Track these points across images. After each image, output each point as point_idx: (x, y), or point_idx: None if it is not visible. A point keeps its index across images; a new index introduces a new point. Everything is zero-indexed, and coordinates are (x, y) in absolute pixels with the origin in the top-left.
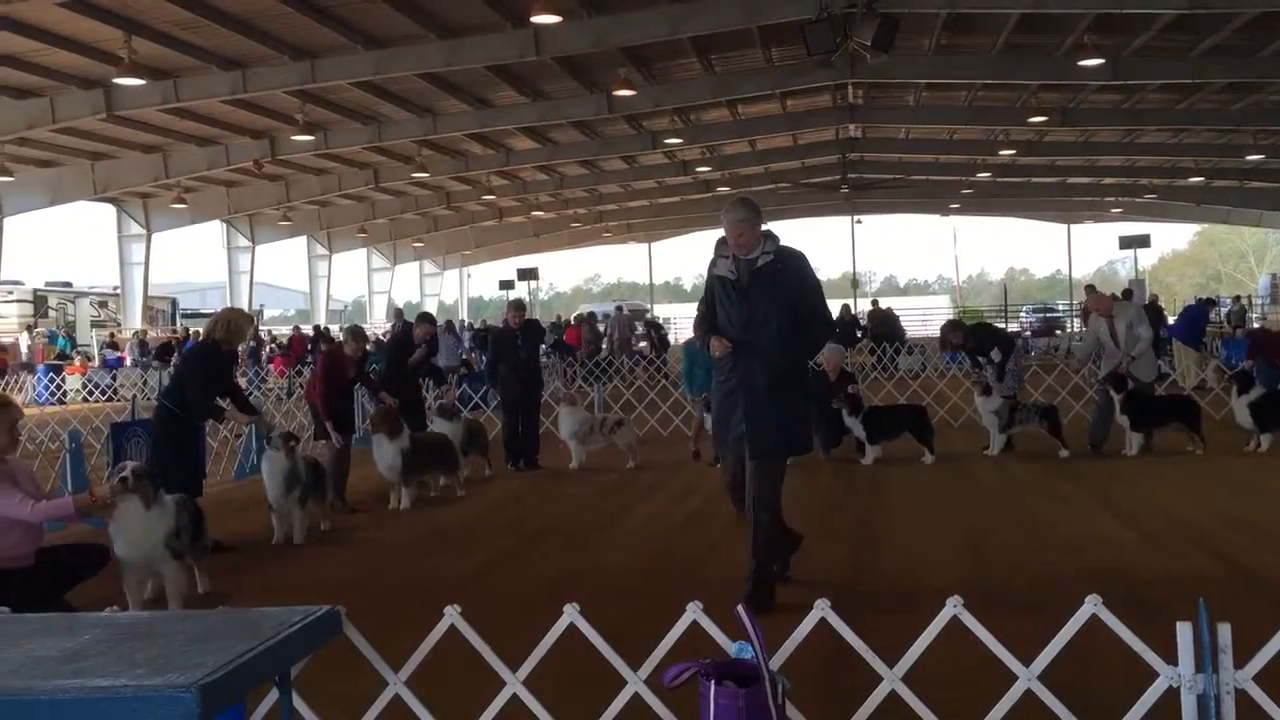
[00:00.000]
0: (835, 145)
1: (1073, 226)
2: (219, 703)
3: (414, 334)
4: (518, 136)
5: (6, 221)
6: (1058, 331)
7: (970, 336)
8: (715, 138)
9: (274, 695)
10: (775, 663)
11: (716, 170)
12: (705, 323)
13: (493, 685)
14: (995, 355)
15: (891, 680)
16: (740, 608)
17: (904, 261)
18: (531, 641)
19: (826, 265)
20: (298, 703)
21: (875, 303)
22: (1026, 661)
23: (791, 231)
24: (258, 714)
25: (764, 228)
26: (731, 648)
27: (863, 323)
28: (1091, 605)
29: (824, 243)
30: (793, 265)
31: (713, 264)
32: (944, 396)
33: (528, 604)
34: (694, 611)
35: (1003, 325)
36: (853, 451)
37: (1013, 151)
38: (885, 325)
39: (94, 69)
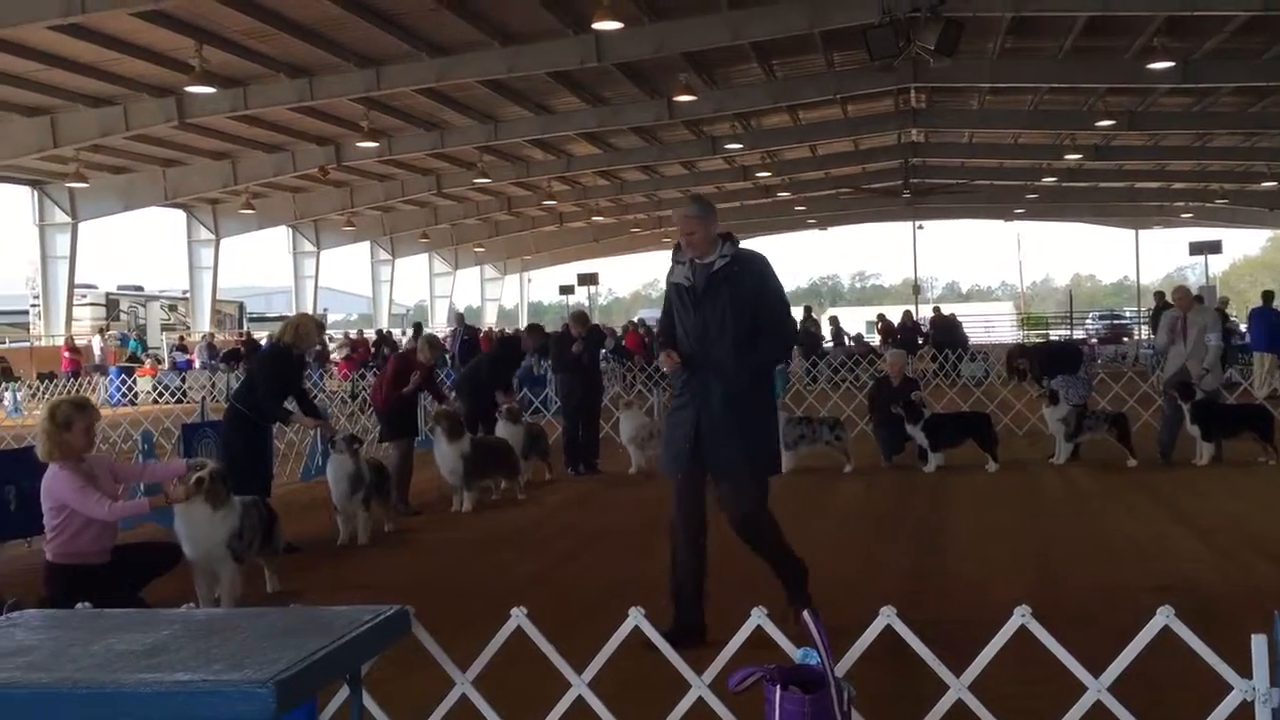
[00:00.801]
0: (897, 150)
1: (1141, 232)
2: (293, 699)
3: (523, 344)
4: (578, 142)
5: (81, 226)
6: (1125, 339)
7: (1036, 362)
8: (776, 143)
9: (344, 693)
10: (840, 669)
11: (777, 175)
12: (665, 335)
13: (557, 686)
14: (1058, 383)
15: (959, 689)
16: (806, 613)
17: (966, 267)
18: (594, 644)
19: (888, 271)
20: (367, 701)
21: (937, 309)
22: (1095, 672)
23: (852, 237)
24: (328, 712)
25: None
26: (796, 654)
27: (925, 329)
28: (1164, 617)
29: (885, 248)
30: (752, 269)
31: (670, 270)
32: (1008, 404)
33: (589, 607)
34: (758, 616)
35: (1068, 333)
36: (914, 459)
37: (1079, 156)
38: (947, 332)
39: (166, 77)
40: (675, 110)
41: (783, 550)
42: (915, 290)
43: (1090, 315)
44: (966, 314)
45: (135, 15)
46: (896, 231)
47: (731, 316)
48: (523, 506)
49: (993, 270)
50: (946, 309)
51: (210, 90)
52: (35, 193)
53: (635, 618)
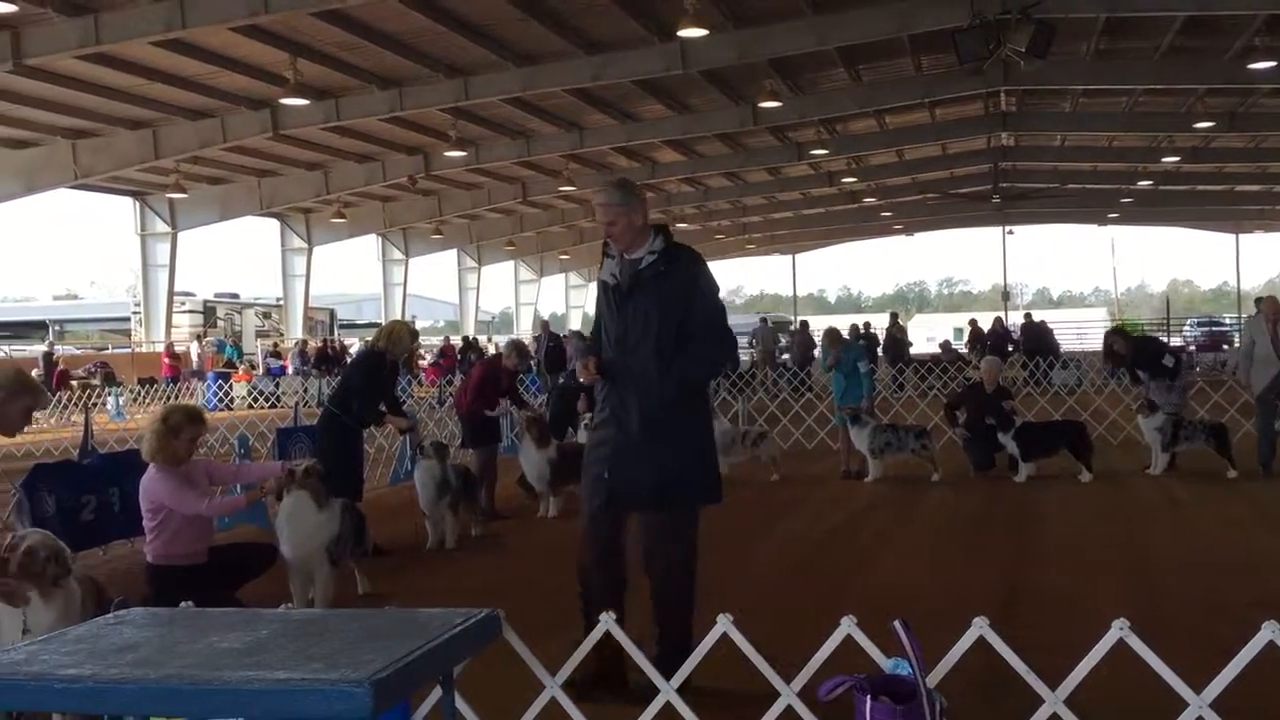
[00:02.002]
0: (986, 154)
1: (1241, 236)
2: (389, 699)
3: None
4: (662, 149)
5: (180, 236)
6: (1224, 346)
7: (1133, 347)
8: (862, 148)
9: (436, 695)
10: (931, 680)
11: (862, 181)
12: (593, 340)
13: (648, 690)
14: (1168, 360)
15: (1054, 703)
16: (898, 623)
17: (1058, 272)
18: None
19: (975, 277)
20: (459, 703)
21: (1028, 315)
22: (1196, 688)
23: (939, 242)
24: (420, 712)
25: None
26: (886, 664)
27: (1015, 336)
28: (1269, 632)
29: (973, 254)
30: (681, 267)
31: (600, 267)
32: (1102, 413)
33: None
34: (848, 625)
35: (1165, 339)
36: (1005, 468)
37: (1177, 158)
38: (1038, 339)
39: (262, 90)
40: (760, 116)
41: (685, 612)
42: (1005, 296)
43: (1188, 322)
44: (1058, 320)
45: (233, 30)
46: (985, 237)
47: (656, 321)
48: None
49: (1085, 276)
50: (1037, 315)
51: (304, 102)
52: (137, 203)
53: (724, 624)
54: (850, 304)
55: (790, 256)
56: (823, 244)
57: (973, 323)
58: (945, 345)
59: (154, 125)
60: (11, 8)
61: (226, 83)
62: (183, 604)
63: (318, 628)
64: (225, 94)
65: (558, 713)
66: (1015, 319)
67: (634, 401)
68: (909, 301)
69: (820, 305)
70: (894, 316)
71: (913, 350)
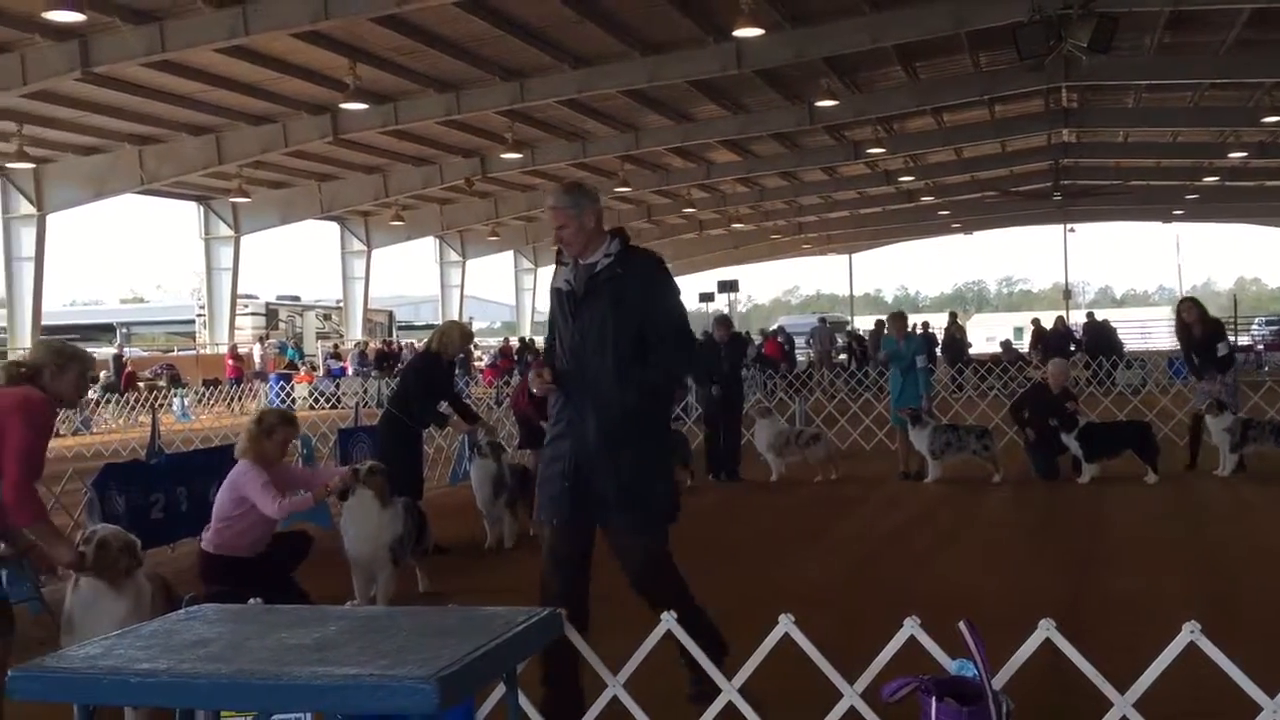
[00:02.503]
0: (1047, 151)
1: None
2: (454, 695)
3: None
4: (718, 149)
5: (243, 239)
6: None
7: (1201, 317)
8: (919, 146)
9: (498, 692)
10: (997, 683)
11: (920, 179)
12: (547, 350)
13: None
14: (1223, 349)
15: (1123, 706)
16: (963, 624)
17: (1121, 271)
18: (740, 649)
19: (1036, 276)
20: (521, 700)
21: (1090, 315)
22: (1270, 691)
23: (998, 241)
24: (484, 710)
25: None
26: (951, 665)
27: (1077, 335)
28: None
29: (1033, 252)
30: (638, 270)
31: (554, 274)
32: (1168, 413)
33: (733, 613)
34: (911, 626)
35: (1233, 339)
36: (1069, 470)
37: (1244, 154)
38: (1101, 338)
39: (322, 95)
40: (816, 115)
41: (690, 611)
42: (1066, 295)
43: (1256, 320)
44: (1121, 319)
45: (294, 36)
46: (1045, 235)
47: (612, 327)
48: None
49: (1149, 274)
50: (1100, 314)
51: (363, 107)
52: (201, 208)
53: (785, 625)
54: (907, 304)
55: (846, 256)
56: (879, 243)
57: (1035, 322)
58: (1006, 345)
59: (218, 131)
60: (79, 17)
61: (288, 88)
62: (251, 600)
63: (384, 625)
64: (286, 99)
65: (619, 711)
66: (1077, 318)
67: (591, 412)
68: (967, 301)
69: (877, 305)
70: (953, 316)
71: (972, 350)
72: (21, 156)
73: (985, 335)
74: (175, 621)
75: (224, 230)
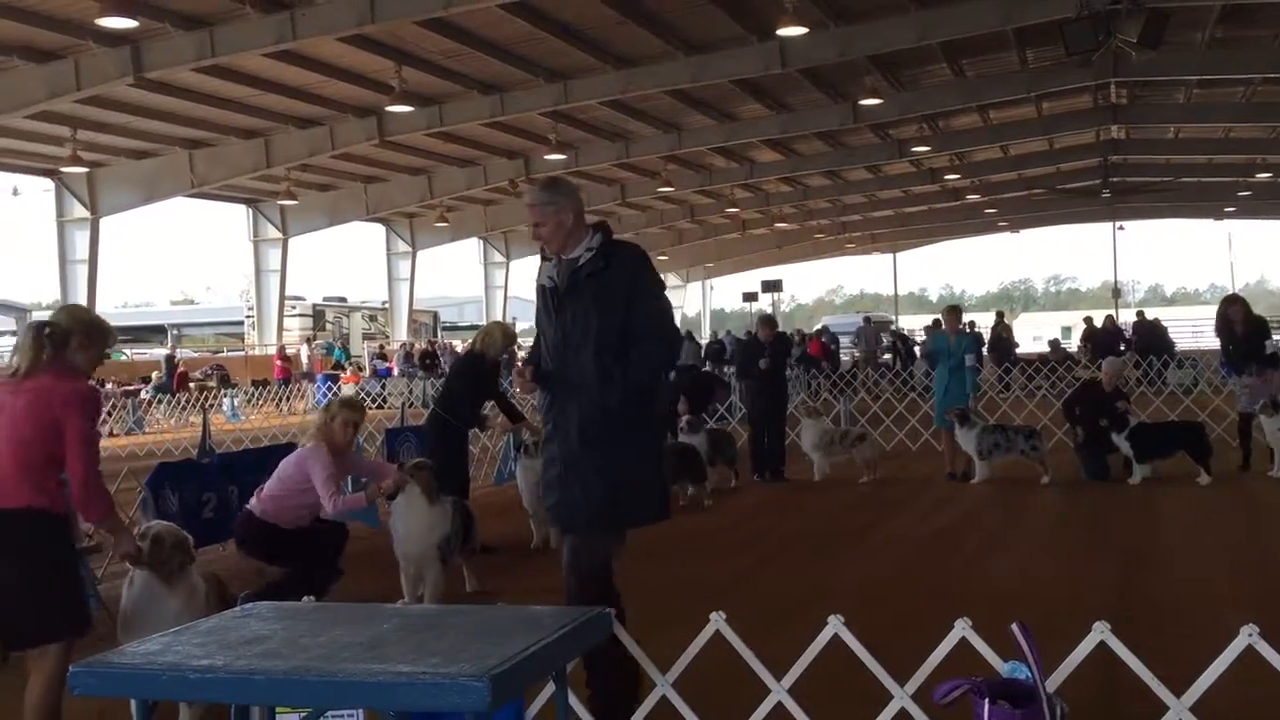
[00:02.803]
0: (1095, 148)
1: None
2: (506, 693)
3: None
4: (761, 149)
5: (291, 241)
6: None
7: (1247, 316)
8: (965, 144)
9: (547, 692)
10: (1050, 684)
11: (966, 177)
12: (534, 349)
13: (755, 692)
14: (1272, 346)
15: (1179, 710)
16: (1015, 626)
17: (1171, 269)
18: (789, 650)
19: (1084, 274)
20: (570, 699)
21: (1140, 314)
22: None
23: (1045, 239)
24: (533, 708)
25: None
26: (1003, 667)
27: (1127, 334)
28: None
29: (1081, 250)
30: (620, 264)
31: (538, 271)
32: (1220, 413)
33: (779, 614)
34: (962, 627)
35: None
36: (1120, 470)
37: None
38: (1151, 337)
39: (368, 98)
40: (860, 114)
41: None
42: (1115, 294)
43: None
44: (1172, 318)
45: (340, 40)
46: (1094, 233)
47: (595, 323)
48: (709, 513)
49: (1200, 272)
50: (1150, 313)
51: (408, 109)
52: (250, 210)
53: (835, 625)
54: (953, 303)
55: (891, 255)
56: (924, 242)
57: (1088, 320)
58: (1054, 344)
59: (266, 134)
60: (132, 23)
61: (334, 91)
62: (305, 599)
63: (435, 623)
64: (333, 102)
65: (668, 710)
66: (1127, 317)
67: (574, 412)
68: (1014, 300)
69: (921, 304)
70: (999, 315)
71: (1019, 350)
72: (75, 161)
73: (1032, 334)
74: (231, 619)
75: (272, 232)
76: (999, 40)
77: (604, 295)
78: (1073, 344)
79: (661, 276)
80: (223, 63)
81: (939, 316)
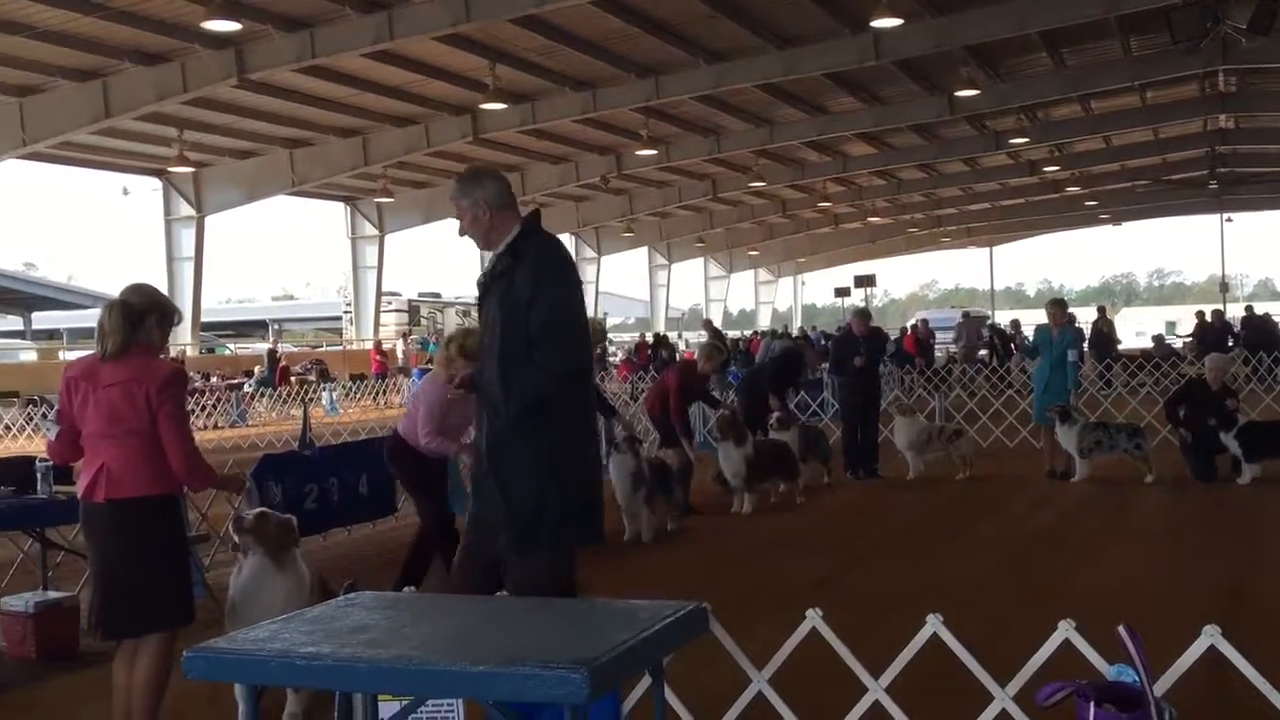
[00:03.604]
0: (1203, 138)
1: None
2: (604, 685)
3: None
4: (854, 142)
5: (387, 238)
6: None
7: None
8: (1065, 135)
9: (642, 686)
10: (1158, 689)
11: (1066, 169)
12: None
13: (849, 690)
14: None
15: None
16: (1122, 628)
17: None
18: (884, 649)
19: (1189, 267)
20: (667, 694)
21: (1249, 308)
22: None
23: (1149, 232)
24: (628, 702)
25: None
26: (1109, 670)
27: (1236, 330)
28: None
29: (1186, 243)
30: (527, 263)
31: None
32: None
33: (873, 612)
34: (1066, 629)
35: None
36: (1228, 471)
37: None
38: (1262, 333)
39: (463, 96)
40: (956, 105)
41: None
42: (1223, 288)
43: None
44: None
45: (436, 39)
46: (1200, 225)
47: (499, 327)
48: (802, 510)
49: None
50: (1260, 308)
51: (502, 106)
52: (348, 208)
53: (934, 624)
54: (1051, 297)
55: (987, 249)
56: (1022, 235)
57: (1200, 315)
58: (1158, 340)
59: (364, 133)
60: (236, 26)
61: (430, 90)
62: (405, 589)
63: (533, 615)
64: (429, 101)
65: (764, 707)
66: (1235, 312)
67: (485, 421)
68: (1115, 294)
69: (1018, 299)
70: (1101, 310)
71: (1121, 346)
72: (182, 161)
73: (1135, 330)
74: (336, 608)
75: (369, 230)
76: (1101, 28)
77: (508, 297)
78: (1177, 339)
79: (576, 269)
80: (322, 63)
81: (1056, 299)
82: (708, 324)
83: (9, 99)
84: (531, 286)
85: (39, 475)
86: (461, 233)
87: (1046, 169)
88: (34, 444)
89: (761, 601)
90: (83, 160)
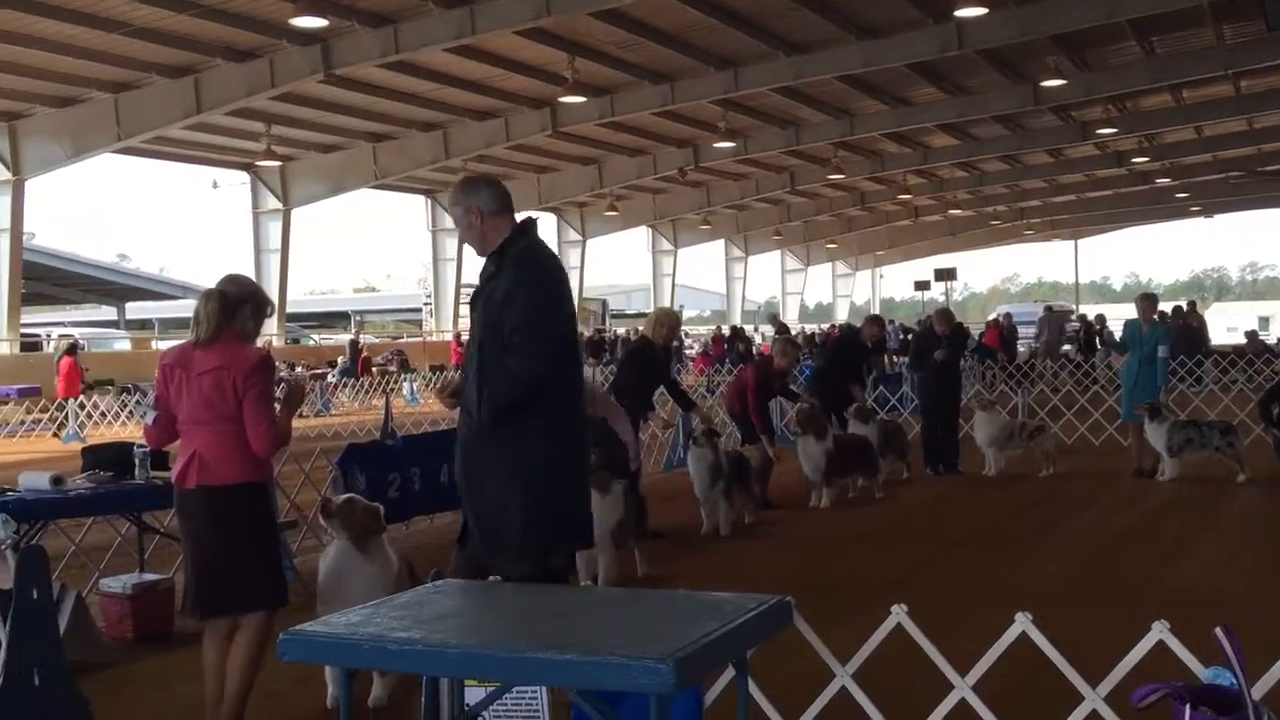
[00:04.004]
0: None
1: None
2: (690, 676)
3: (862, 335)
4: (936, 134)
5: None
6: None
7: None
8: (1155, 125)
9: (723, 680)
10: (1257, 692)
11: (1155, 160)
12: None
13: (935, 687)
14: None
15: None
16: (1220, 630)
17: None
18: (965, 645)
19: None
20: (750, 688)
21: None
22: None
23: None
24: (710, 695)
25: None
26: (1204, 673)
27: None
28: None
29: None
30: (506, 270)
31: None
32: None
33: (955, 610)
34: (1160, 630)
35: None
36: None
37: None
38: None
39: (542, 90)
40: (1041, 96)
41: None
42: None
43: None
44: None
45: (517, 33)
46: None
47: (478, 335)
48: (881, 505)
49: None
50: None
51: (581, 100)
52: (429, 201)
53: (1023, 623)
54: (1137, 291)
55: (1072, 242)
56: (1107, 228)
57: None
58: (1251, 335)
59: (445, 127)
60: (323, 22)
61: (510, 84)
62: (490, 578)
63: (619, 605)
64: (509, 95)
65: (846, 703)
66: None
67: (462, 430)
68: (1205, 289)
69: (1103, 293)
70: (1190, 305)
71: (1212, 342)
72: (270, 155)
73: (1226, 325)
74: (424, 594)
75: (449, 223)
76: (1193, 16)
77: (490, 305)
78: (1271, 336)
79: (561, 274)
80: (406, 58)
81: (1146, 294)
82: (773, 319)
83: (105, 95)
84: (508, 293)
85: (137, 461)
86: (460, 240)
87: (1135, 160)
88: (129, 430)
89: (839, 597)
90: (174, 154)
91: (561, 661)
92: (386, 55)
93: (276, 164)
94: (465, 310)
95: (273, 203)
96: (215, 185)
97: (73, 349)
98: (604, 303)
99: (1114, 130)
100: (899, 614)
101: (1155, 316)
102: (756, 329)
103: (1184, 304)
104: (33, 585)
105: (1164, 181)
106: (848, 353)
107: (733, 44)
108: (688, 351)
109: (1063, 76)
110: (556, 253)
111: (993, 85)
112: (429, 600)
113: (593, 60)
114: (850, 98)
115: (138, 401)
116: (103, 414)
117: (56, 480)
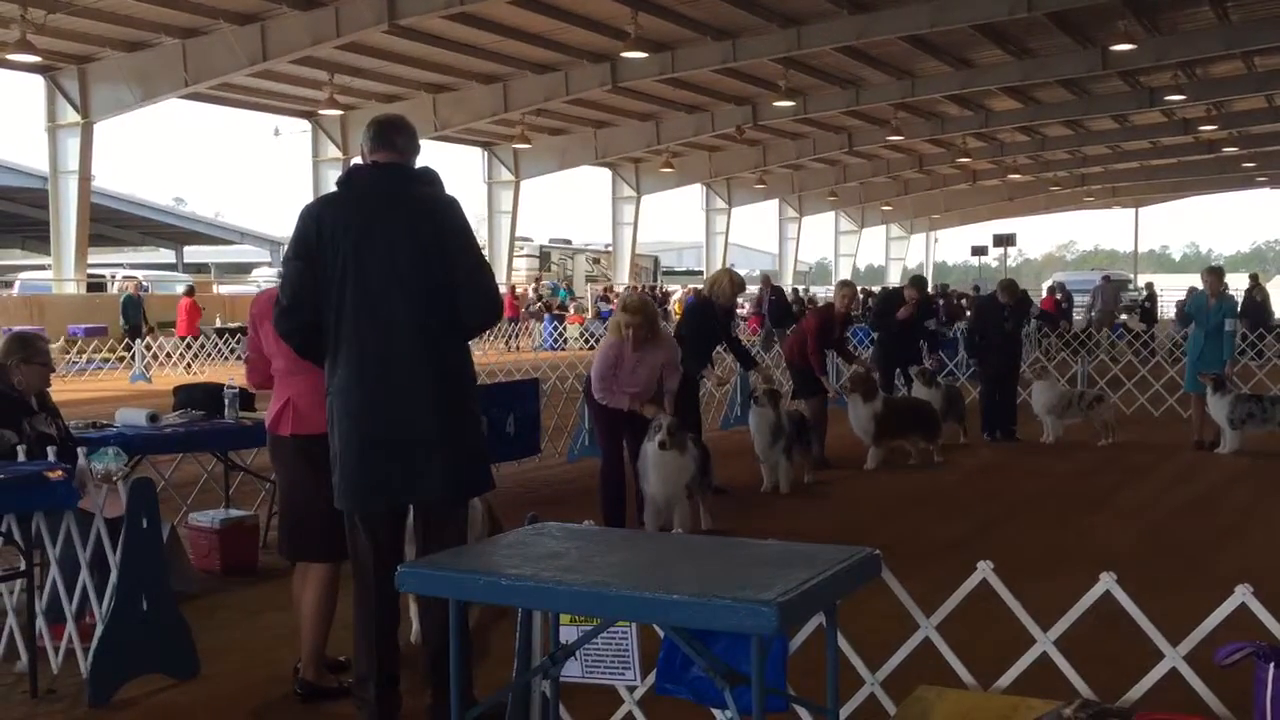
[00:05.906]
0: None
1: None
2: (791, 620)
3: (903, 294)
4: (998, 97)
5: (522, 184)
6: None
7: None
8: (1225, 93)
9: (805, 631)
10: None
11: (1223, 129)
12: None
13: (1015, 642)
14: None
15: None
16: None
17: None
18: (1046, 603)
19: None
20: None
21: None
22: None
23: None
24: (794, 643)
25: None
26: None
27: None
28: None
29: None
30: None
31: None
32: None
33: (1015, 575)
34: (1243, 593)
35: None
36: None
37: None
38: None
39: (603, 44)
40: (1110, 60)
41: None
42: None
43: None
44: None
45: None
46: None
47: None
48: (938, 469)
49: None
50: None
51: (642, 55)
52: (485, 153)
53: (1107, 582)
54: (1198, 262)
55: (1132, 210)
56: (1170, 197)
57: None
58: None
59: (505, 80)
60: None
61: (571, 38)
62: (585, 522)
63: (711, 551)
64: (570, 48)
65: (931, 652)
66: None
67: None
68: (1268, 261)
69: (1162, 263)
70: (1254, 277)
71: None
72: (331, 104)
73: None
74: (527, 535)
75: (505, 175)
76: None
77: None
78: None
79: (312, 221)
80: (469, 9)
81: (1213, 267)
82: (766, 279)
83: (174, 40)
84: None
85: (226, 401)
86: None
87: (1202, 128)
88: (195, 373)
89: (902, 556)
90: (237, 101)
91: (669, 600)
92: (451, 6)
93: (338, 113)
94: (518, 264)
95: (333, 151)
96: (277, 133)
97: (190, 290)
98: (656, 260)
99: (1183, 97)
100: (984, 569)
101: (1222, 290)
102: (807, 290)
103: (1248, 277)
104: (143, 515)
105: (1231, 150)
106: (890, 307)
107: (796, 2)
108: (739, 311)
109: (1133, 41)
110: (612, 209)
111: (1060, 48)
112: (533, 541)
113: (655, 15)
114: (913, 58)
115: (201, 346)
116: (168, 355)
117: (152, 417)
